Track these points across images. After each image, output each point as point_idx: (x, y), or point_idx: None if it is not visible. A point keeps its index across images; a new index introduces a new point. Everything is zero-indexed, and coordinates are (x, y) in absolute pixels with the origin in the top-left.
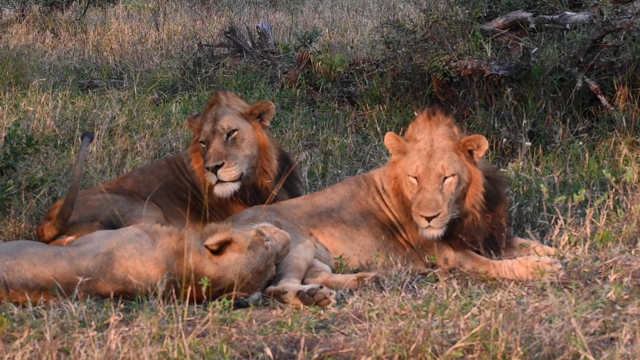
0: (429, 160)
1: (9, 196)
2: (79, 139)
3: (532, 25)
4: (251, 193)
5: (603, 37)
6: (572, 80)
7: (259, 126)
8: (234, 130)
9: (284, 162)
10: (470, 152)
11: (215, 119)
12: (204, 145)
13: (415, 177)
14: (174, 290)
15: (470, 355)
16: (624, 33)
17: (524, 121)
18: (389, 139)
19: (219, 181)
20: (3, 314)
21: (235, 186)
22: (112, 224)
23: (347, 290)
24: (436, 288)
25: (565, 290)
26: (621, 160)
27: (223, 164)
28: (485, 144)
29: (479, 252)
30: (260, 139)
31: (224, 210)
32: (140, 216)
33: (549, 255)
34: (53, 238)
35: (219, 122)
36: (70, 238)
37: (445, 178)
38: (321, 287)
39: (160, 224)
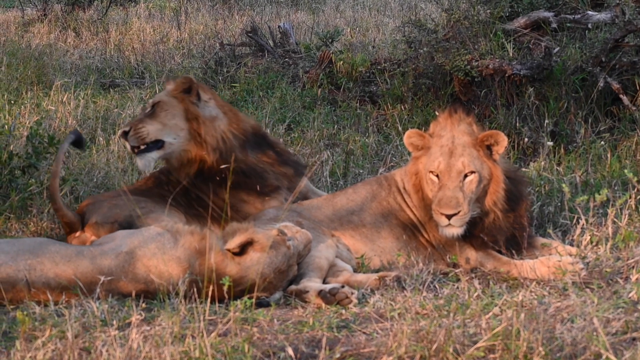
0: (450, 157)
1: (30, 195)
2: (100, 139)
3: (554, 25)
4: (202, 168)
5: (625, 37)
6: (594, 80)
7: (184, 99)
8: (156, 103)
9: (255, 138)
10: (489, 149)
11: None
12: None
13: (437, 175)
14: (195, 290)
15: (491, 355)
16: None
17: (546, 121)
18: (412, 135)
19: (135, 152)
20: (25, 312)
21: (153, 155)
22: (130, 226)
23: (369, 290)
24: (458, 288)
25: (587, 290)
26: None
27: (130, 128)
28: (503, 140)
29: (500, 252)
30: (187, 111)
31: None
32: (159, 219)
33: (570, 255)
34: (70, 230)
35: (149, 101)
36: (93, 238)
37: (466, 176)
38: (343, 287)
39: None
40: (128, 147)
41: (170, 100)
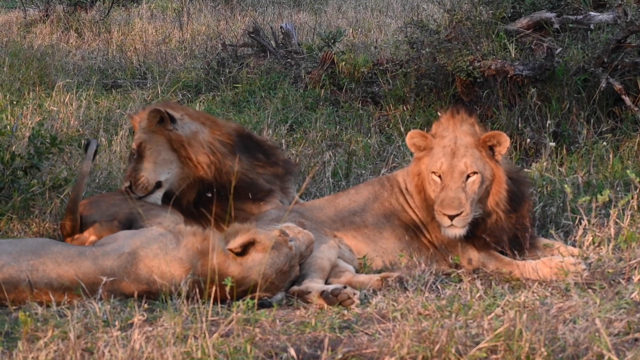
0: (453, 158)
1: (33, 196)
2: (103, 139)
3: (556, 26)
4: (208, 187)
5: (627, 38)
6: (596, 80)
7: (162, 130)
8: (139, 145)
9: (241, 140)
10: (492, 149)
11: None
12: None
13: (439, 176)
14: (197, 290)
15: (494, 356)
16: None
17: (548, 121)
18: (414, 136)
19: (140, 199)
20: (27, 313)
21: (158, 194)
22: (131, 223)
23: (371, 291)
24: (460, 288)
25: (589, 290)
26: None
27: (130, 183)
28: (506, 141)
29: (503, 253)
30: (171, 140)
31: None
32: (160, 214)
33: (572, 256)
34: (69, 234)
35: (134, 142)
36: (92, 238)
37: (469, 176)
38: (345, 287)
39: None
40: (135, 195)
41: (151, 137)
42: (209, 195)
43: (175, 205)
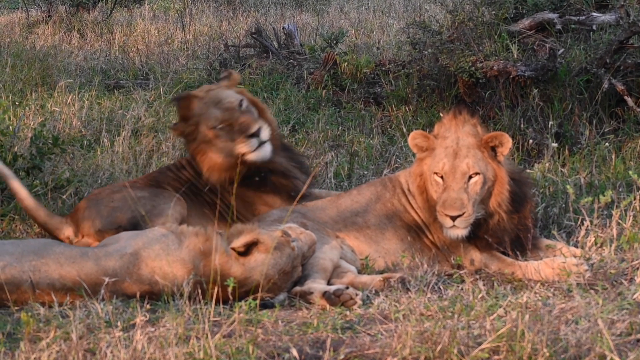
0: (455, 158)
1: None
2: (105, 140)
3: (559, 26)
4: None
5: (630, 38)
6: (599, 81)
7: (243, 90)
8: (241, 101)
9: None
10: (494, 150)
11: (217, 103)
12: (222, 130)
13: (441, 176)
14: (200, 291)
15: (496, 357)
16: None
17: (550, 122)
18: (416, 137)
19: (259, 145)
20: (29, 314)
21: (270, 144)
22: (136, 225)
23: (373, 291)
24: (462, 289)
25: (592, 291)
26: None
27: (260, 127)
28: (508, 141)
29: (505, 253)
30: (253, 100)
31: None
32: (163, 213)
33: (575, 257)
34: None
35: (224, 102)
36: (95, 244)
37: (471, 177)
38: (347, 288)
39: (183, 219)
40: (254, 144)
41: (240, 95)
42: (257, 179)
43: (183, 177)
